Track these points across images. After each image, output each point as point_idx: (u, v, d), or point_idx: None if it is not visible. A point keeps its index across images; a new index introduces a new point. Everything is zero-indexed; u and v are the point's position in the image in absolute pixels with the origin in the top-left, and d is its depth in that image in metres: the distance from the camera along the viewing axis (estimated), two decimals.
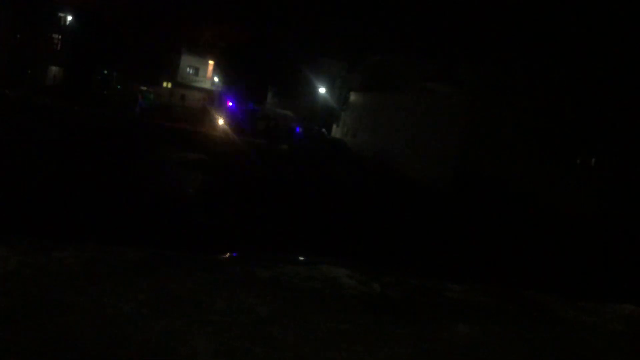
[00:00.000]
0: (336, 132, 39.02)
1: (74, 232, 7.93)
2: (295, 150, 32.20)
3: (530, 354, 3.77)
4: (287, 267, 4.72)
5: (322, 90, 41.17)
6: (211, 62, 54.08)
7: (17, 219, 8.43)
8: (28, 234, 4.53)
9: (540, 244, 14.76)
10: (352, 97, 36.85)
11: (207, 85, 54.28)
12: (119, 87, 47.47)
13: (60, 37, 47.55)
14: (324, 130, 37.91)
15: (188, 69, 53.86)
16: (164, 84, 52.41)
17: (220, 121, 41.66)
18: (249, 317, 3.49)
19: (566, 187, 20.02)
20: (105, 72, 48.71)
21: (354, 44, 40.50)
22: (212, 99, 51.30)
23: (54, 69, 47.52)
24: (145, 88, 50.24)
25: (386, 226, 14.33)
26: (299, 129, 36.75)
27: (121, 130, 29.80)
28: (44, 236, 4.56)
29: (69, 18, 47.85)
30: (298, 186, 19.83)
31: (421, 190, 22.04)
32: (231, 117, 41.96)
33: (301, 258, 6.10)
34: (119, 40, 46.87)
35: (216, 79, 54.16)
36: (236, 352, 3.00)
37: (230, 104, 45.19)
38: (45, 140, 20.01)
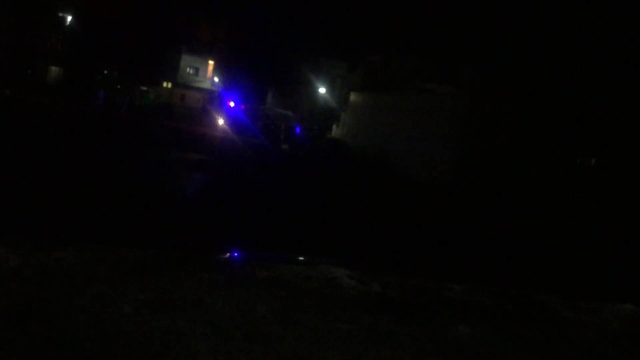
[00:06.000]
0: (336, 132, 39.02)
1: (74, 232, 7.93)
2: (295, 151, 32.21)
3: (531, 354, 3.77)
4: (287, 267, 4.72)
5: (322, 90, 41.17)
6: (211, 62, 54.07)
7: (19, 219, 8.42)
8: (28, 234, 4.54)
9: (541, 244, 14.76)
10: (352, 97, 36.85)
11: (207, 85, 54.26)
12: (119, 87, 47.46)
13: (60, 37, 47.57)
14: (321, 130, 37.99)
15: (188, 69, 53.85)
16: (164, 84, 52.40)
17: (220, 121, 41.66)
18: (249, 317, 3.49)
19: (566, 186, 20.03)
20: (105, 72, 48.70)
21: (354, 44, 40.53)
22: (212, 99, 51.28)
23: (54, 69, 47.55)
24: (145, 88, 50.24)
25: (386, 226, 14.32)
26: (299, 129, 36.77)
27: (121, 130, 29.80)
28: (44, 236, 4.56)
29: (69, 18, 47.88)
30: (298, 186, 19.83)
31: (421, 191, 22.04)
32: (231, 117, 41.97)
33: (301, 258, 6.10)
34: (119, 40, 46.86)
35: (216, 79, 54.15)
36: (236, 352, 3.00)
37: (231, 104, 45.22)
38: (45, 140, 20.01)
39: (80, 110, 35.03)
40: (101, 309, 3.20)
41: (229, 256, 5.93)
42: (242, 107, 45.12)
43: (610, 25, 21.66)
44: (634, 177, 18.96)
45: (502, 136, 20.94)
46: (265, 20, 47.08)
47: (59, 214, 9.56)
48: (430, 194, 21.34)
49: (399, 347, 3.44)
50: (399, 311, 4.12)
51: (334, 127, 39.57)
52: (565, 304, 5.11)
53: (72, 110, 34.51)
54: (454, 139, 22.11)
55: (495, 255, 12.28)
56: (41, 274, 3.57)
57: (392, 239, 12.57)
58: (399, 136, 27.34)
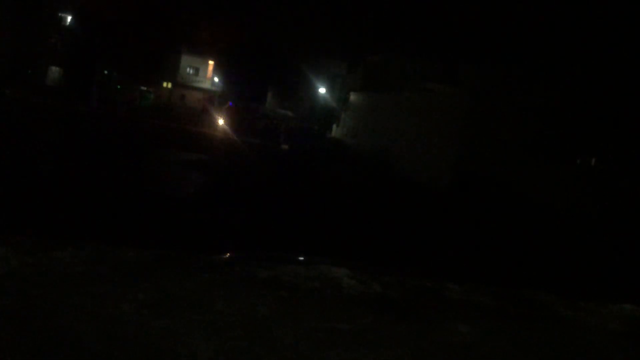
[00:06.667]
0: (336, 132, 39.02)
1: (74, 232, 7.93)
2: (295, 151, 32.22)
3: (530, 354, 3.77)
4: (287, 267, 4.72)
5: (322, 90, 41.19)
6: (211, 62, 54.09)
7: (18, 219, 8.42)
8: (28, 234, 4.53)
9: (540, 244, 14.76)
10: (352, 97, 36.85)
11: (207, 85, 54.28)
12: (119, 87, 47.47)
13: (60, 37, 47.58)
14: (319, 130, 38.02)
15: (188, 69, 53.87)
16: (164, 84, 52.43)
17: (220, 121, 41.68)
18: (249, 317, 3.49)
19: (566, 187, 20.03)
20: (106, 72, 48.72)
21: (354, 44, 40.53)
22: (212, 99, 51.30)
23: (54, 69, 47.56)
24: (145, 88, 50.25)
25: (386, 226, 14.32)
26: (299, 129, 36.78)
27: (121, 130, 29.79)
28: (44, 236, 4.56)
29: (69, 18, 47.90)
30: (298, 186, 19.83)
31: (421, 191, 22.04)
32: (231, 117, 41.98)
33: (301, 258, 6.10)
34: (119, 40, 46.86)
35: (216, 79, 54.16)
36: (236, 352, 3.00)
37: (230, 104, 45.22)
38: (44, 139, 20.00)
39: (78, 110, 35.04)
40: (101, 309, 3.20)
41: (229, 256, 5.93)
42: (242, 107, 45.14)
43: (610, 26, 21.65)
44: (633, 178, 18.95)
45: (502, 136, 20.94)
46: (265, 20, 47.06)
47: (58, 214, 9.56)
48: (430, 194, 21.34)
49: (399, 347, 3.44)
50: (399, 311, 4.12)
51: (334, 127, 39.58)
52: (565, 304, 5.10)
53: (70, 110, 34.52)
54: (454, 139, 22.11)
55: (495, 255, 12.29)
56: (41, 273, 3.56)
57: (391, 239, 12.57)
58: (399, 136, 27.34)
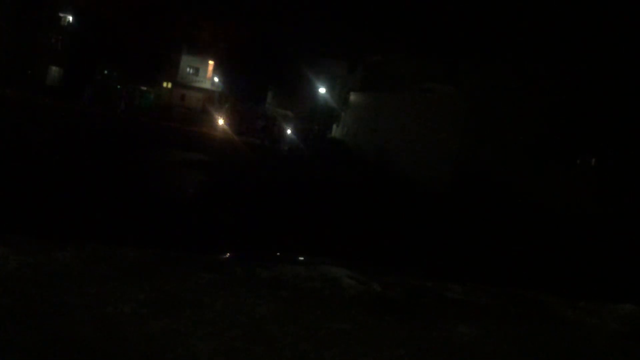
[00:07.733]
0: (336, 132, 39.01)
1: (74, 232, 7.92)
2: (295, 151, 32.22)
3: (531, 354, 3.77)
4: (287, 267, 4.72)
5: (322, 90, 41.16)
6: (211, 62, 54.00)
7: (19, 219, 8.42)
8: (28, 234, 4.53)
9: (540, 244, 14.75)
10: (352, 97, 36.84)
11: (207, 85, 54.20)
12: (119, 87, 47.43)
13: (60, 37, 47.55)
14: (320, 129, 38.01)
15: (188, 69, 53.77)
16: (164, 84, 52.36)
17: (220, 121, 41.68)
18: (249, 317, 3.49)
19: (566, 187, 20.02)
20: (106, 72, 48.69)
21: (354, 44, 40.51)
22: (212, 99, 51.26)
23: (54, 69, 47.52)
24: (145, 88, 50.22)
25: (385, 226, 14.32)
26: (298, 129, 36.77)
27: (121, 130, 29.78)
28: (44, 236, 4.56)
29: (69, 18, 47.89)
30: (298, 186, 19.82)
31: (421, 191, 22.03)
32: (231, 117, 41.99)
33: (301, 258, 6.10)
34: (119, 40, 46.80)
35: (216, 79, 54.11)
36: (236, 352, 3.00)
37: (230, 104, 45.22)
38: (44, 139, 19.98)
39: (73, 110, 35.13)
40: (101, 309, 3.20)
41: (229, 256, 5.94)
42: (242, 107, 45.15)
43: (610, 25, 21.65)
44: (633, 177, 18.94)
45: (502, 136, 20.94)
46: (265, 20, 47.05)
47: (59, 214, 9.55)
48: (430, 194, 21.33)
49: (399, 347, 3.44)
50: (399, 311, 4.12)
51: (334, 127, 39.56)
52: (565, 304, 5.11)
53: (65, 109, 34.58)
54: (454, 139, 22.11)
55: (495, 255, 12.28)
56: (41, 274, 3.57)
57: (392, 239, 12.56)
58: (399, 136, 27.33)
